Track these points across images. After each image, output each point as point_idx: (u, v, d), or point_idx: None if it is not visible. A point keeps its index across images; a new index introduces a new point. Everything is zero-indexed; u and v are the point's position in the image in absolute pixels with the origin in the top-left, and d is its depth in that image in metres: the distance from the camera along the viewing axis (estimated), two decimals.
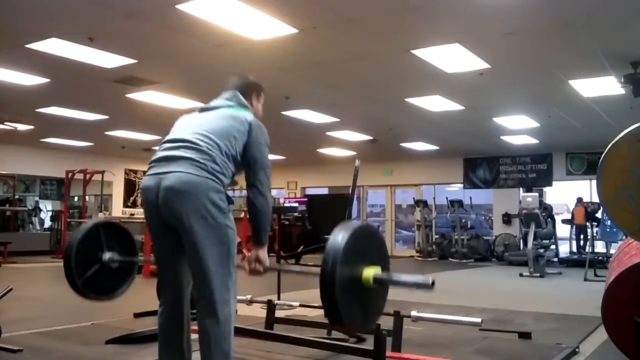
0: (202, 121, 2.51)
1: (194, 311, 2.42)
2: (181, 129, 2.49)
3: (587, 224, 12.04)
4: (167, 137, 2.49)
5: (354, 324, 2.24)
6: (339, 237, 2.06)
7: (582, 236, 13.06)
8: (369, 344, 3.11)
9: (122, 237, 3.05)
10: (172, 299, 2.45)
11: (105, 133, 11.39)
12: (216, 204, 2.31)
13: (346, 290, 2.03)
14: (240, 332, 3.60)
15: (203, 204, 2.28)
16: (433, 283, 2.09)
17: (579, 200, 12.73)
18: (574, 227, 13.07)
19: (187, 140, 2.39)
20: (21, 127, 10.62)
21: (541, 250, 9.97)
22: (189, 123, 2.53)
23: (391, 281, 2.19)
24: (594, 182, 2.74)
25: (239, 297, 4.13)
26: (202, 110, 2.62)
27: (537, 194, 10.91)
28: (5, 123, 10.19)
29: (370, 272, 2.10)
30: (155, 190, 2.32)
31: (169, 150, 2.40)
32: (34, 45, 5.89)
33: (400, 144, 12.66)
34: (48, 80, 7.32)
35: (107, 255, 2.92)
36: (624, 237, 4.58)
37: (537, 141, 11.94)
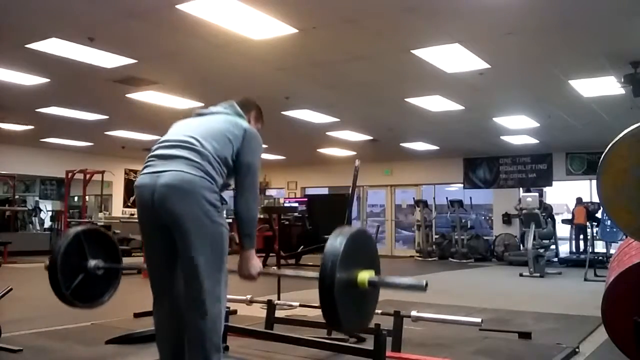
0: (197, 124, 2.54)
1: None
2: (176, 132, 2.52)
3: (587, 224, 12.03)
4: (162, 139, 2.52)
5: (349, 325, 2.28)
6: (337, 241, 2.10)
7: (581, 236, 13.05)
8: (369, 344, 3.10)
9: (104, 243, 3.02)
10: (166, 298, 2.45)
11: (105, 133, 11.40)
12: (211, 203, 2.33)
13: (344, 293, 2.07)
14: (240, 332, 3.61)
15: (199, 202, 2.30)
16: (426, 284, 2.10)
17: (579, 200, 12.73)
18: (574, 227, 13.06)
19: (182, 140, 2.42)
20: (22, 127, 10.63)
21: (541, 250, 9.95)
22: (185, 126, 2.56)
23: (385, 283, 2.21)
24: (594, 182, 2.74)
25: (239, 297, 4.13)
26: (197, 114, 2.65)
27: (537, 194, 10.90)
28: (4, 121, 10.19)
29: (365, 275, 2.15)
30: (151, 189, 2.33)
31: (164, 149, 2.43)
32: (34, 45, 5.89)
33: (400, 144, 12.66)
34: (48, 80, 7.32)
35: (91, 263, 2.90)
36: (624, 237, 4.58)
37: (537, 141, 11.94)
